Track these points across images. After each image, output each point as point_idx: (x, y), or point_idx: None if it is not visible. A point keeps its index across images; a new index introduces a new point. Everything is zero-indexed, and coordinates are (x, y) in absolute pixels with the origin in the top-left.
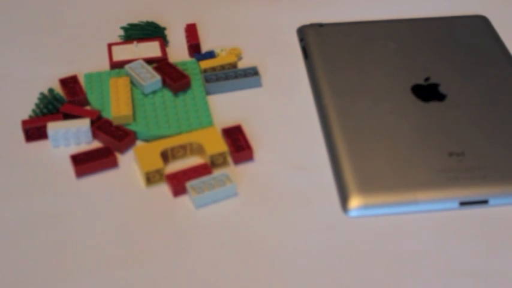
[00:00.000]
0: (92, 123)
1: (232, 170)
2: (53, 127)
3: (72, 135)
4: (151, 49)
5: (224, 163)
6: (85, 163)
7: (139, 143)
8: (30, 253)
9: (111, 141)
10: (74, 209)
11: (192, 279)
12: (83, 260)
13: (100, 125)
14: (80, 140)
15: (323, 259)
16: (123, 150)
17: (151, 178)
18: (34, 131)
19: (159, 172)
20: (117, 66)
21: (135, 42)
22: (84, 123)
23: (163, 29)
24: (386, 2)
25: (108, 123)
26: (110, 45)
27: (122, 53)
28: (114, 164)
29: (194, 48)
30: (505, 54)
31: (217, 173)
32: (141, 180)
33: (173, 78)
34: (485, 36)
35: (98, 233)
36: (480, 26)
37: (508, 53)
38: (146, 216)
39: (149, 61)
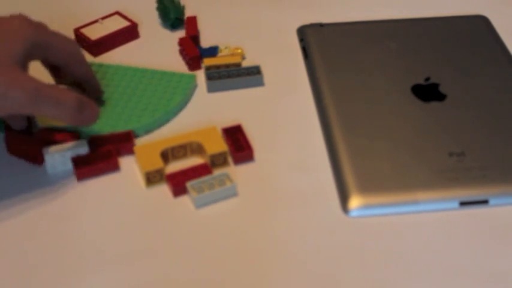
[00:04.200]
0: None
1: (232, 170)
2: (51, 151)
3: (69, 160)
4: (118, 22)
5: (224, 163)
6: (86, 166)
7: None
8: (32, 254)
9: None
10: (74, 209)
11: (193, 279)
12: (85, 260)
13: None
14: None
15: (323, 259)
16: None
17: (151, 178)
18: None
19: (159, 172)
20: (97, 44)
21: (99, 20)
22: (82, 145)
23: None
24: (386, 2)
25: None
26: (77, 30)
27: (94, 32)
28: (115, 167)
29: (194, 40)
30: (505, 54)
31: (217, 172)
32: (141, 181)
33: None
34: (485, 36)
35: (99, 233)
36: (480, 26)
37: (508, 53)
38: (147, 217)
39: (121, 33)
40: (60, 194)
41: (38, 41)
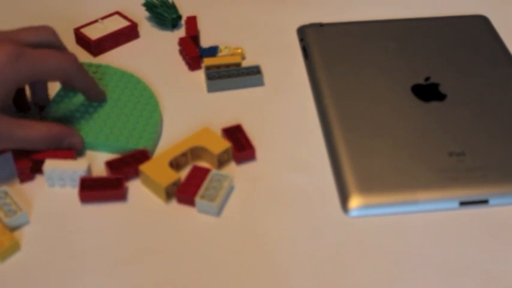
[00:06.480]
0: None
1: (233, 170)
2: (50, 166)
3: (68, 177)
4: (118, 22)
5: (228, 159)
6: (92, 191)
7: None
8: (44, 258)
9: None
10: (77, 213)
11: (196, 279)
12: (89, 262)
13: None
14: (75, 183)
15: (323, 259)
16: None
17: (170, 192)
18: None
19: (176, 184)
20: (97, 44)
21: (99, 20)
22: (82, 166)
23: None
24: (386, 2)
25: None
26: (77, 30)
27: (94, 32)
28: (122, 197)
29: (194, 40)
30: (505, 54)
31: (216, 172)
32: (154, 198)
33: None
34: (485, 36)
35: (102, 237)
36: (480, 26)
37: (508, 53)
38: (150, 220)
39: (121, 33)
40: (62, 203)
41: (22, 78)
